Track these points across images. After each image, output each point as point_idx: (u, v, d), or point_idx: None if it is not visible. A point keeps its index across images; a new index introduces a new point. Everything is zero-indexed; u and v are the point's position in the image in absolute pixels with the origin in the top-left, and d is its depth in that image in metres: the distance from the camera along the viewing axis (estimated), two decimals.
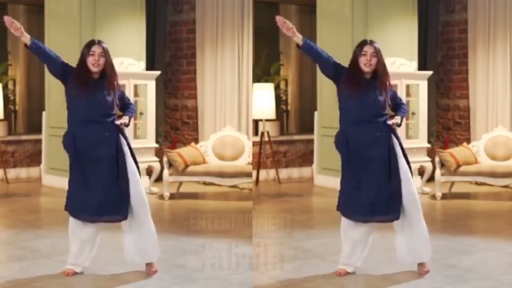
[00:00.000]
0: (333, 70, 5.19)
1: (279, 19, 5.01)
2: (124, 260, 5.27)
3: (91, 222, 5.14)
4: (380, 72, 5.14)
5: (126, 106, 5.34)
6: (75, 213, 5.13)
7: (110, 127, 5.14)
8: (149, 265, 5.26)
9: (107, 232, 5.39)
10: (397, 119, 5.19)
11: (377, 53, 5.12)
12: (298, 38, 5.09)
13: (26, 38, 5.12)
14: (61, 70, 5.17)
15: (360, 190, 5.15)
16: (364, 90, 5.11)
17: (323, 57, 5.18)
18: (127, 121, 5.22)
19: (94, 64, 5.10)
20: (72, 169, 5.18)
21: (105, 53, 5.15)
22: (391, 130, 5.18)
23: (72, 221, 5.18)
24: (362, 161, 5.15)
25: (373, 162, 5.13)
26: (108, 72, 5.16)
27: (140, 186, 5.21)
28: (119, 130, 5.19)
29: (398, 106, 5.33)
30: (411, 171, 5.26)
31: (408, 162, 5.23)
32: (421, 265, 5.25)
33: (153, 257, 5.25)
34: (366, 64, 5.11)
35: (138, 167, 5.25)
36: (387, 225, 5.31)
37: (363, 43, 5.17)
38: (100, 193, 5.07)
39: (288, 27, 5.01)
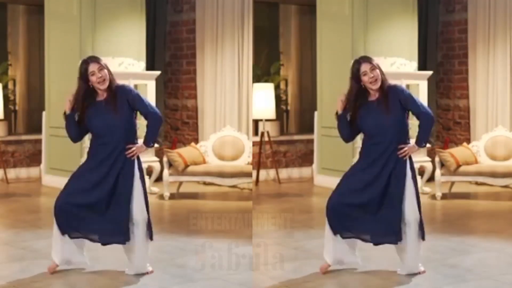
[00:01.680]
0: (352, 129, 5.17)
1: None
2: (124, 260, 5.26)
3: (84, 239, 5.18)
4: (384, 85, 5.03)
5: (145, 117, 5.30)
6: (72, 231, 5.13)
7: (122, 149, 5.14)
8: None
9: None
10: (407, 150, 5.09)
11: (376, 66, 5.03)
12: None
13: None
14: (83, 127, 5.15)
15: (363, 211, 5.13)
16: (375, 111, 5.04)
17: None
18: (136, 153, 5.24)
19: (99, 82, 5.01)
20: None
21: (104, 66, 5.05)
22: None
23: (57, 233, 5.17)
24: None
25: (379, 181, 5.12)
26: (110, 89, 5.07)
27: (145, 209, 5.17)
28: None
29: (418, 120, 5.15)
30: (416, 190, 5.22)
31: (415, 183, 5.20)
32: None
33: (145, 268, 5.25)
34: (371, 82, 5.01)
35: (145, 189, 5.21)
36: None
37: (356, 64, 5.05)
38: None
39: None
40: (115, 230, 5.07)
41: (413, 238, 5.16)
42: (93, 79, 5.01)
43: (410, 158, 5.15)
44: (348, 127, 5.17)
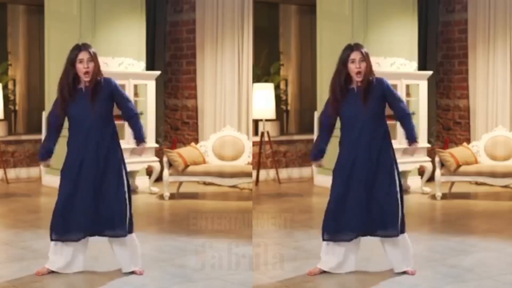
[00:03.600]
0: (332, 120, 5.19)
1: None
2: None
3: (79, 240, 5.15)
4: (364, 79, 5.03)
5: (126, 115, 5.28)
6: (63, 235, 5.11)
7: (108, 140, 5.12)
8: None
9: None
10: (414, 146, 5.19)
11: (365, 57, 5.03)
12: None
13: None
14: (63, 114, 5.14)
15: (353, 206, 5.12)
16: (351, 100, 5.05)
17: (330, 132, 5.22)
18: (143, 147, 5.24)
19: (85, 74, 5.01)
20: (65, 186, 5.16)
21: (93, 57, 5.04)
22: (389, 144, 5.14)
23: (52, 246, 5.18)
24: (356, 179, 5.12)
25: (366, 180, 5.11)
26: (94, 77, 5.05)
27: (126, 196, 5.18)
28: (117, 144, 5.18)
29: (399, 117, 5.18)
30: (400, 185, 5.20)
31: (399, 178, 5.20)
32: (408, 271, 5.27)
33: (138, 264, 5.25)
34: (357, 74, 5.01)
35: (128, 181, 5.21)
36: None
37: (347, 49, 5.05)
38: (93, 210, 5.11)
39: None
40: (114, 223, 5.08)
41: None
42: (79, 66, 5.01)
43: (393, 150, 5.15)
44: (328, 134, 5.23)
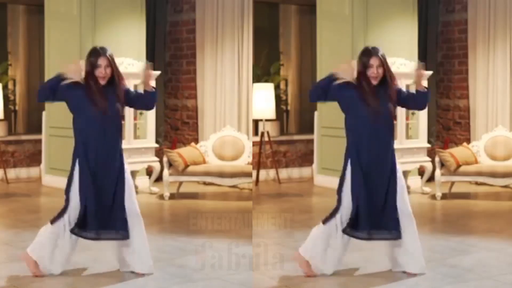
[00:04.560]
0: (327, 96, 5.22)
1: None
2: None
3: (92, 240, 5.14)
4: (388, 80, 5.14)
5: (136, 97, 5.31)
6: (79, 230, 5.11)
7: (117, 139, 5.17)
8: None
9: None
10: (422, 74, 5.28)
11: (384, 63, 5.12)
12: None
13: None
14: (62, 94, 5.14)
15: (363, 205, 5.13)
16: (374, 99, 5.12)
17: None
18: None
19: (103, 78, 5.10)
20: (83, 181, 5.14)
21: (111, 62, 5.13)
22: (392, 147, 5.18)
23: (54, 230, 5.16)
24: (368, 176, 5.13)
25: (379, 177, 5.13)
26: (115, 80, 5.14)
27: (135, 202, 5.20)
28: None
29: (409, 95, 5.29)
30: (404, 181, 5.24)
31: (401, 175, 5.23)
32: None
33: (145, 268, 5.24)
34: (375, 78, 5.12)
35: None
36: None
37: (367, 55, 5.14)
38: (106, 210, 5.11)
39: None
40: (117, 226, 5.09)
41: (412, 230, 5.16)
42: (97, 71, 5.09)
43: (394, 154, 5.18)
44: (326, 92, 5.21)
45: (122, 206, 5.11)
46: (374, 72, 5.11)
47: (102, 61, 5.10)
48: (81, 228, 5.06)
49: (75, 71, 5.11)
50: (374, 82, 5.13)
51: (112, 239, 5.13)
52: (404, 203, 5.16)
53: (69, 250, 5.15)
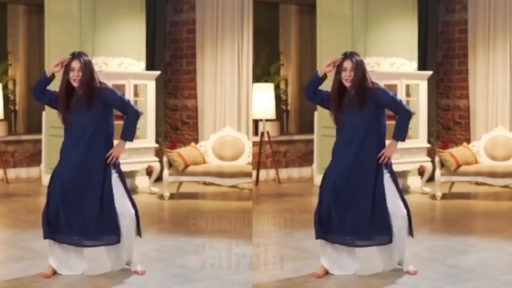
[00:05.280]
0: (318, 98, 5.27)
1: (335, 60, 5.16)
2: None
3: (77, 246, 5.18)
4: (356, 85, 5.13)
5: (123, 115, 5.29)
6: (57, 236, 5.16)
7: (96, 149, 5.14)
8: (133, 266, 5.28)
9: None
10: (386, 154, 5.16)
11: (356, 66, 5.12)
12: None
13: (51, 72, 5.12)
14: (51, 100, 5.17)
15: (345, 214, 5.18)
16: (346, 105, 5.15)
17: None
18: (115, 158, 5.17)
19: (75, 80, 5.08)
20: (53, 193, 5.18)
21: (84, 66, 5.08)
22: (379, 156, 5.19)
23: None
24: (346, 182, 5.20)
25: (357, 185, 5.17)
26: (84, 86, 5.09)
27: (128, 203, 5.20)
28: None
29: (395, 113, 5.25)
30: (397, 183, 5.23)
31: (395, 178, 5.23)
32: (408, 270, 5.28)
33: (136, 262, 5.27)
34: (347, 80, 5.15)
35: (125, 184, 5.23)
36: None
37: (343, 58, 5.17)
38: (86, 218, 5.12)
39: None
40: (104, 230, 5.11)
41: (398, 232, 5.17)
42: (70, 74, 5.09)
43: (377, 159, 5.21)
44: (316, 88, 5.25)
45: (112, 213, 5.12)
46: (347, 74, 5.13)
47: (75, 64, 5.08)
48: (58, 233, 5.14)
49: (57, 64, 5.09)
50: (347, 85, 5.15)
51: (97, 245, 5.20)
52: (397, 207, 5.17)
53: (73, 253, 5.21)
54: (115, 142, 5.23)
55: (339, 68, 5.17)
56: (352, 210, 5.17)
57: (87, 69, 5.09)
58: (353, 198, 5.18)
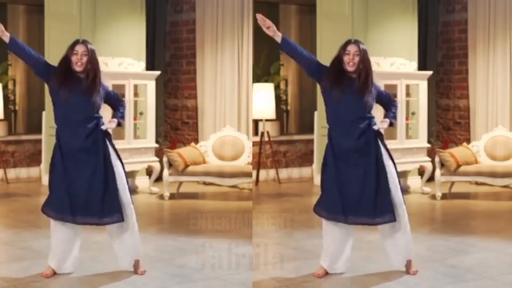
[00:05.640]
0: (315, 69, 5.26)
1: (259, 17, 5.10)
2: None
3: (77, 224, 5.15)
4: (362, 72, 5.13)
5: (115, 106, 5.34)
6: (58, 214, 5.15)
7: (93, 130, 5.11)
8: (136, 265, 5.26)
9: (105, 232, 5.36)
10: (383, 124, 5.22)
11: (361, 52, 5.14)
12: (278, 37, 5.21)
13: (6, 36, 5.01)
14: (45, 70, 5.10)
15: (345, 193, 5.16)
16: (346, 88, 5.12)
17: (304, 56, 5.27)
18: (114, 125, 5.21)
19: (77, 63, 5.05)
20: (55, 170, 5.16)
21: (89, 53, 5.08)
22: (376, 132, 5.17)
23: (52, 222, 5.21)
24: (347, 164, 5.16)
25: (357, 166, 5.12)
26: (90, 73, 5.08)
27: (126, 190, 5.18)
28: (104, 133, 5.16)
29: (387, 106, 5.35)
30: (397, 173, 5.21)
31: (394, 165, 5.20)
32: (408, 265, 5.24)
33: (139, 253, 5.26)
34: (349, 63, 5.14)
35: (124, 168, 5.22)
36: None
37: (347, 43, 5.22)
38: (85, 196, 5.09)
39: (267, 25, 5.12)
40: (111, 210, 5.09)
41: (402, 220, 5.15)
42: (73, 57, 5.06)
43: (382, 139, 5.20)
44: (301, 51, 5.35)
45: (115, 192, 5.10)
46: (350, 58, 5.14)
47: (79, 48, 5.06)
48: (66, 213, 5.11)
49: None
50: (349, 68, 5.13)
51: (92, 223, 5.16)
52: (396, 191, 5.15)
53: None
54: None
55: (343, 50, 5.18)
56: (355, 191, 5.12)
57: (94, 57, 5.10)
58: (356, 181, 5.13)
